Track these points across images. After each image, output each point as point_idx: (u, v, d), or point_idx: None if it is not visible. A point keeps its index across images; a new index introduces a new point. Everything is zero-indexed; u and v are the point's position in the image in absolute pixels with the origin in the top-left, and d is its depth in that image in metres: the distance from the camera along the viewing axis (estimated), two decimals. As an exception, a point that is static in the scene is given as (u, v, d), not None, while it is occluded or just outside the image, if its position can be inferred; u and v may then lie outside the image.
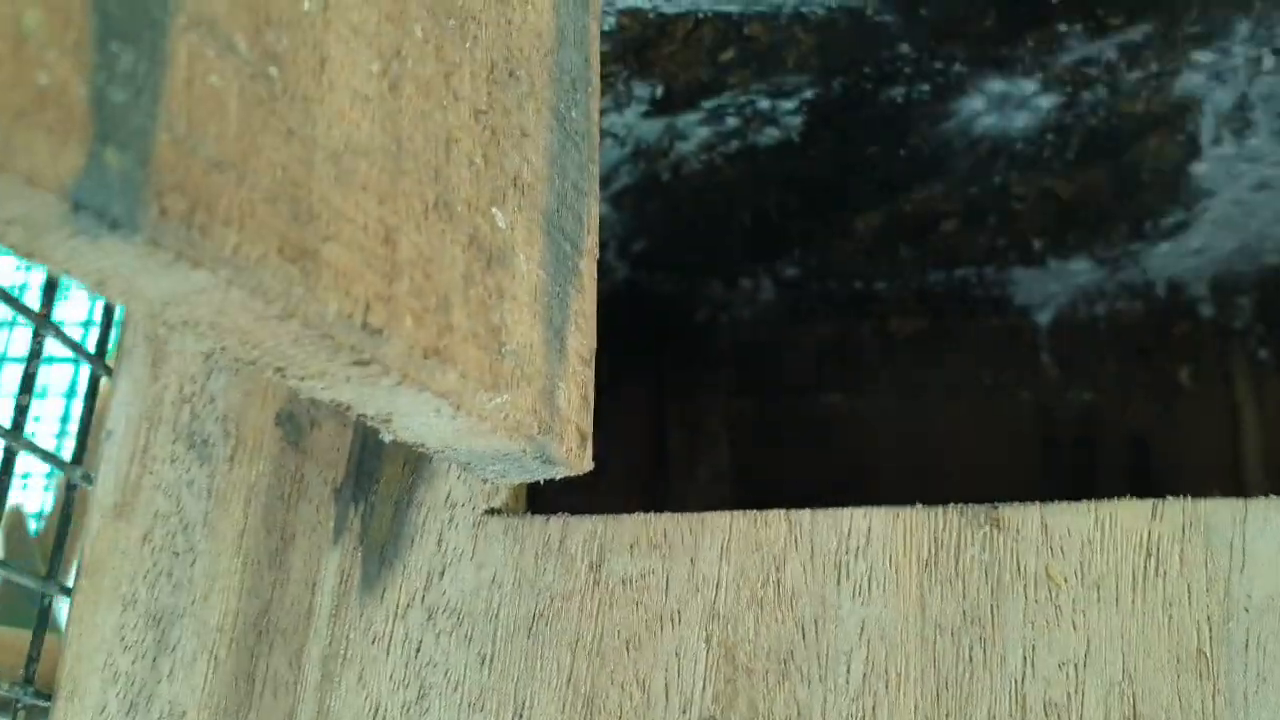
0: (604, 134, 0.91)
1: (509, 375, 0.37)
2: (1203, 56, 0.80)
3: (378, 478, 0.47)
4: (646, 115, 0.89)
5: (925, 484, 1.15)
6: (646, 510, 0.48)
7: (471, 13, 0.38)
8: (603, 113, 0.91)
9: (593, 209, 0.45)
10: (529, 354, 0.39)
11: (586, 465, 0.42)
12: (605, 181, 0.98)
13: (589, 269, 0.44)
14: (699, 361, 1.19)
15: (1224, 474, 1.10)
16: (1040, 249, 1.05)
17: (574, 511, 0.49)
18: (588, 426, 0.42)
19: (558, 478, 0.43)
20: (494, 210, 0.38)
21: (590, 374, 0.43)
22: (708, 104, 0.88)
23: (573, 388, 0.41)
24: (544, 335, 0.40)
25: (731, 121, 0.91)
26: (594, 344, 0.43)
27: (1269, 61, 0.78)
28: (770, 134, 0.93)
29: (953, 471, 1.14)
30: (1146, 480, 1.11)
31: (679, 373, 1.19)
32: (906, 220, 1.03)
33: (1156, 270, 1.08)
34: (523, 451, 0.39)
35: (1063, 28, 0.79)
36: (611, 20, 0.77)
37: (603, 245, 1.10)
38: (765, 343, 1.19)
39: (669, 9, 0.77)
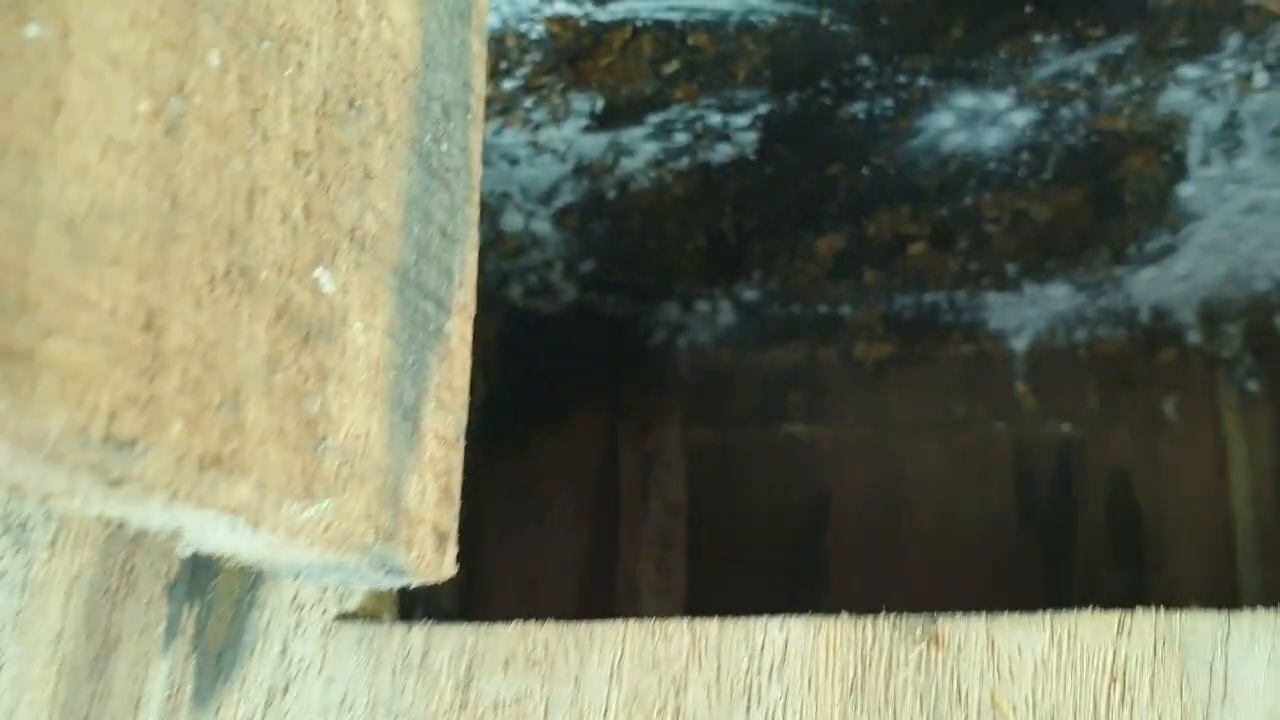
0: (543, 150, 0.84)
1: (331, 477, 0.30)
2: (1190, 71, 0.74)
3: (217, 572, 0.40)
4: (588, 130, 0.82)
5: (892, 524, 1.08)
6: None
7: (295, 33, 0.32)
8: (539, 126, 0.84)
9: (468, 258, 0.38)
10: (362, 446, 0.32)
11: (446, 571, 0.35)
12: (546, 199, 0.91)
13: (460, 330, 0.37)
14: (655, 387, 1.13)
15: (1210, 513, 1.04)
16: (1015, 274, 0.99)
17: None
18: (449, 523, 0.35)
19: (413, 586, 0.36)
20: (318, 272, 0.31)
21: (456, 457, 0.36)
22: (653, 119, 0.82)
23: (428, 479, 0.35)
24: (387, 420, 0.33)
25: (680, 137, 0.84)
26: (463, 419, 0.37)
27: (1261, 78, 0.71)
28: (723, 151, 0.86)
29: (921, 509, 1.07)
30: (1128, 518, 1.05)
31: (633, 399, 1.13)
32: (871, 243, 0.96)
33: (1140, 296, 1.02)
34: (356, 564, 0.32)
35: (1038, 39, 0.73)
36: (540, 28, 0.70)
37: (549, 266, 1.03)
38: (725, 368, 1.13)
39: (603, 16, 0.70)
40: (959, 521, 1.06)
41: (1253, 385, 1.03)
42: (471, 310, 0.38)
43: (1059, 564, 1.05)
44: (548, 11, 0.68)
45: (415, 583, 0.35)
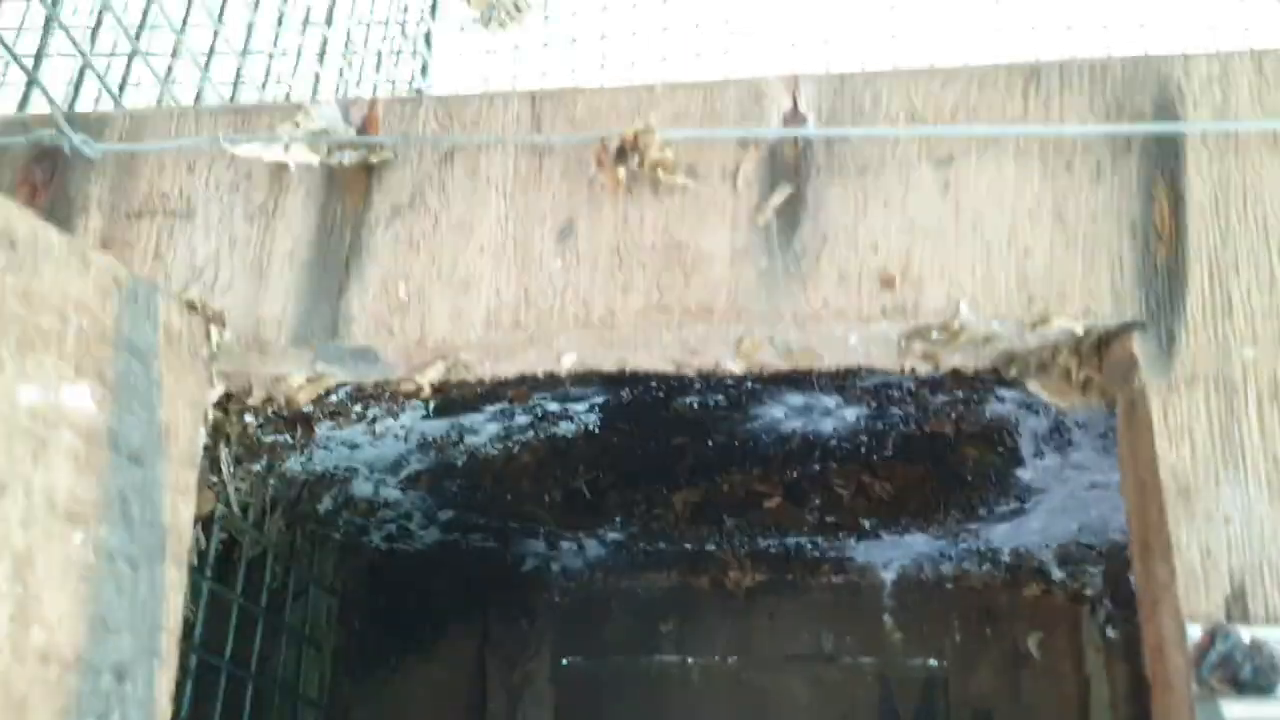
0: (383, 435, 0.83)
1: None
2: (1006, 391, 0.74)
3: None
4: (426, 418, 0.82)
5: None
6: None
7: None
8: (375, 420, 0.83)
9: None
10: None
11: None
12: (393, 469, 0.90)
13: None
14: (525, 615, 1.12)
15: (1074, 749, 1.04)
16: (872, 526, 0.99)
17: None
18: None
19: None
20: None
21: None
22: (490, 408, 0.81)
23: None
24: None
25: (521, 419, 0.84)
26: None
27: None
28: (566, 427, 0.86)
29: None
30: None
31: (503, 627, 1.12)
32: (727, 497, 0.96)
33: (1000, 541, 1.02)
34: None
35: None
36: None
37: (407, 517, 1.02)
38: (597, 594, 1.12)
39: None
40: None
41: (1111, 632, 1.04)
42: None
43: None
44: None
45: None
